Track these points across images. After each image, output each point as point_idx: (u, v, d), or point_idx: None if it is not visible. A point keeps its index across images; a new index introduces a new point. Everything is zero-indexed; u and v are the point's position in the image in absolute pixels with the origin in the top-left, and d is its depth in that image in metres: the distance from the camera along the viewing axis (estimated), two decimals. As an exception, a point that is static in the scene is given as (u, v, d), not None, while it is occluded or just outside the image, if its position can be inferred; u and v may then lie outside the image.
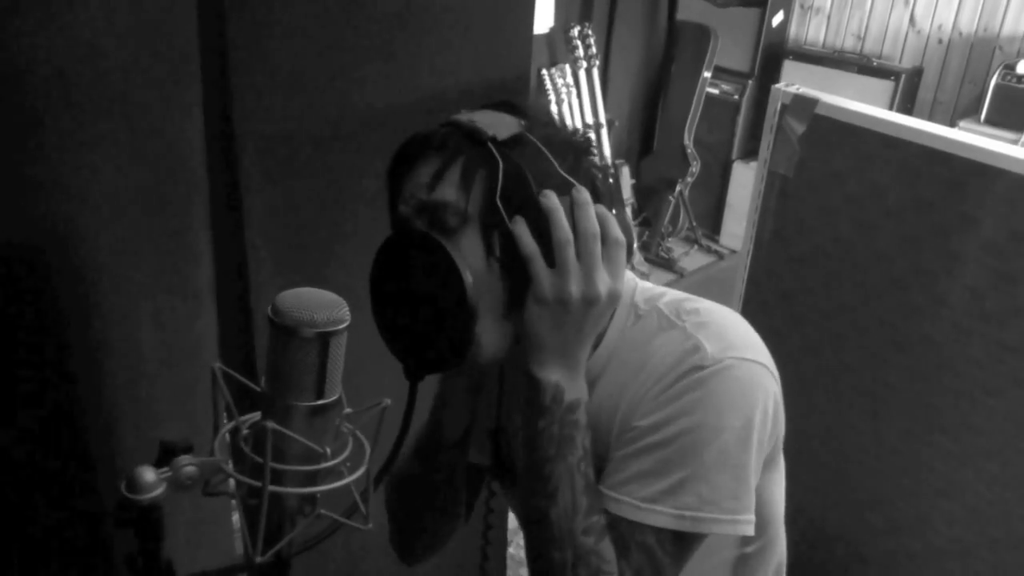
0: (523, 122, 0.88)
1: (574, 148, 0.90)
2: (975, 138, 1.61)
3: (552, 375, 0.87)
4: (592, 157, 0.92)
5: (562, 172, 0.87)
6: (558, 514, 0.86)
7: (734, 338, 0.90)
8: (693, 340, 0.89)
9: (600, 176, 0.92)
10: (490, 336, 0.87)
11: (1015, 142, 3.44)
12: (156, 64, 1.11)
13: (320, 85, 1.35)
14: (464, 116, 0.89)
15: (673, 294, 0.98)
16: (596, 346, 0.95)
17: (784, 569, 1.14)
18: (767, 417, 0.90)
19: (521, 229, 0.84)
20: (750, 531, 0.88)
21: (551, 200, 0.84)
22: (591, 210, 0.85)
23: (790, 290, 1.94)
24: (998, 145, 1.58)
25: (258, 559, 0.75)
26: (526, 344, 0.88)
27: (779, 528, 1.09)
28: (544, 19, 4.14)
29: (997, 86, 3.78)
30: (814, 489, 2.01)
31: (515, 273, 0.85)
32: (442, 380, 1.04)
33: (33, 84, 1.00)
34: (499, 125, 0.87)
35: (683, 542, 0.88)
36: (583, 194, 0.86)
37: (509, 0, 1.59)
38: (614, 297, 0.86)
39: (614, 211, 0.89)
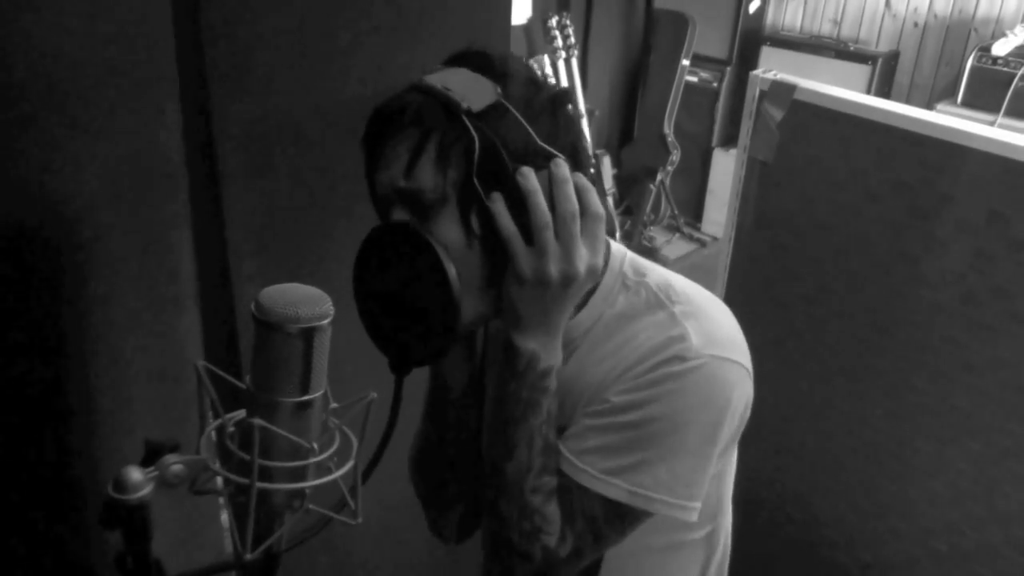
0: (499, 88, 0.85)
1: (552, 106, 0.88)
2: (951, 120, 1.62)
3: (530, 343, 0.88)
4: (570, 108, 0.91)
5: (540, 142, 0.85)
6: (512, 469, 0.89)
7: (720, 335, 0.91)
8: (680, 329, 0.90)
9: (580, 131, 0.91)
10: (468, 307, 0.87)
11: (992, 123, 3.46)
12: (131, 63, 1.10)
13: (297, 80, 1.34)
14: (438, 79, 0.86)
15: (662, 273, 0.99)
16: (580, 307, 0.95)
17: (728, 553, 1.14)
18: (735, 417, 0.93)
19: (499, 207, 0.84)
20: (694, 518, 0.92)
21: (529, 181, 0.83)
22: (570, 187, 0.85)
23: (773, 275, 1.95)
24: (973, 126, 1.59)
25: (247, 556, 0.75)
26: (505, 314, 0.89)
27: (727, 515, 1.10)
28: (522, 10, 4.13)
29: (973, 68, 3.80)
30: (800, 473, 2.02)
31: (494, 249, 0.86)
32: None
33: (10, 87, 0.99)
34: (474, 92, 0.85)
35: (628, 517, 0.92)
36: (561, 169, 0.85)
37: (486, -9, 1.58)
38: (593, 272, 0.87)
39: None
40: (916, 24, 4.38)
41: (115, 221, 1.14)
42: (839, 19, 4.62)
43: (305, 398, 0.75)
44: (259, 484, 0.73)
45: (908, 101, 4.26)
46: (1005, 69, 3.69)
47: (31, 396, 1.11)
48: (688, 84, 4.72)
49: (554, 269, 0.84)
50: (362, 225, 0.89)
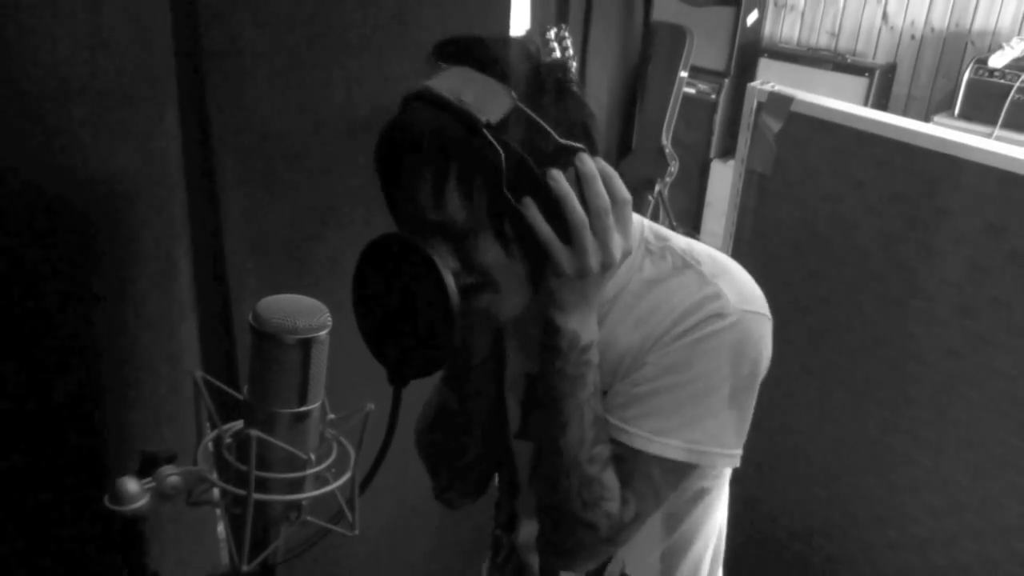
0: (513, 92, 0.84)
1: (559, 90, 0.88)
2: (948, 132, 1.63)
3: (571, 323, 0.91)
4: (572, 84, 0.90)
5: (560, 140, 0.85)
6: (567, 443, 0.93)
7: (748, 291, 0.97)
8: (713, 287, 0.94)
9: (585, 106, 0.91)
10: (510, 302, 0.91)
11: (989, 135, 3.47)
12: (132, 72, 1.11)
13: (296, 91, 1.34)
14: (447, 87, 0.84)
15: (681, 237, 1.02)
16: None
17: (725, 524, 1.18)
18: (766, 366, 0.99)
19: (533, 214, 0.85)
20: (738, 463, 0.98)
21: (561, 186, 0.84)
22: (598, 183, 0.85)
23: (770, 287, 1.93)
24: (970, 138, 1.60)
25: (244, 568, 0.75)
26: (545, 301, 0.91)
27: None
28: (520, 21, 4.14)
29: (970, 80, 3.81)
30: (798, 484, 2.02)
31: (532, 250, 0.87)
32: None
33: (8, 95, 0.99)
34: (491, 102, 0.83)
35: (682, 471, 0.97)
36: (587, 165, 0.85)
37: (485, 3, 1.59)
38: (627, 254, 0.90)
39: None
40: (913, 37, 4.39)
41: (112, 231, 1.14)
42: (836, 31, 4.63)
43: (302, 409, 0.75)
44: (256, 495, 0.73)
45: (905, 113, 4.27)
46: (1002, 81, 3.70)
47: (25, 407, 1.10)
48: (686, 96, 4.72)
49: (594, 263, 0.86)
50: (362, 236, 0.89)
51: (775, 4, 4.79)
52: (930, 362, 1.72)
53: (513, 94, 0.84)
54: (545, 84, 0.88)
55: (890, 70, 4.43)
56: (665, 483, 0.96)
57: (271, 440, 0.74)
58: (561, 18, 4.45)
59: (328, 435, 0.80)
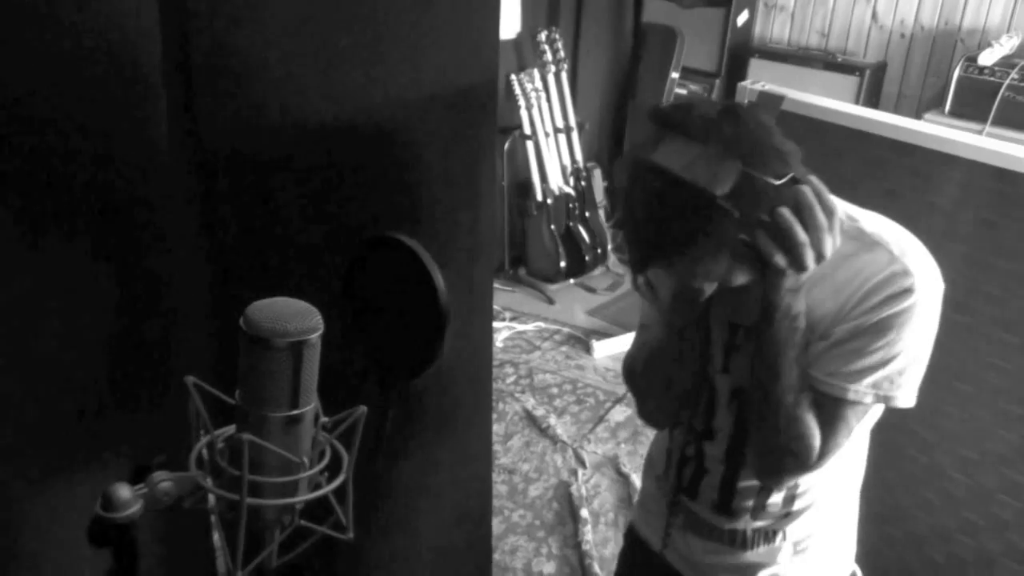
0: (739, 165, 0.97)
1: (765, 140, 1.02)
2: (938, 128, 1.64)
3: (786, 299, 1.08)
4: (772, 133, 1.03)
5: (776, 183, 0.99)
6: (779, 390, 1.12)
7: (928, 269, 1.12)
8: (901, 264, 1.09)
9: (774, 135, 1.04)
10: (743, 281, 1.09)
11: (979, 132, 3.48)
12: (120, 82, 1.11)
13: (286, 95, 1.34)
14: (677, 163, 0.98)
15: (868, 215, 1.17)
16: None
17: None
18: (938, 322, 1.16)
19: (764, 242, 1.01)
20: (914, 403, 1.15)
21: (786, 220, 0.99)
22: (816, 210, 1.00)
23: (764, 285, 1.95)
24: (961, 135, 1.60)
25: (238, 574, 0.74)
26: (769, 284, 1.07)
27: None
28: (511, 24, 4.15)
29: (960, 78, 3.82)
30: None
31: (763, 262, 1.03)
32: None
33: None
34: (718, 172, 0.97)
35: (870, 413, 1.18)
36: (805, 196, 1.00)
37: (475, 6, 1.59)
38: (835, 247, 1.04)
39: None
40: (903, 35, 4.40)
41: (105, 236, 1.14)
42: (826, 31, 4.65)
43: (295, 412, 0.75)
44: (249, 500, 0.73)
45: (896, 112, 4.29)
46: (991, 79, 3.71)
47: (14, 414, 1.10)
48: (678, 96, 4.74)
49: (811, 265, 1.02)
50: (354, 238, 0.89)
51: (765, 4, 4.81)
52: (924, 358, 1.72)
53: (739, 167, 0.98)
54: (750, 141, 1.01)
55: (880, 69, 4.44)
56: (856, 420, 1.16)
57: (264, 444, 0.73)
58: (552, 21, 4.46)
59: (321, 438, 0.80)
